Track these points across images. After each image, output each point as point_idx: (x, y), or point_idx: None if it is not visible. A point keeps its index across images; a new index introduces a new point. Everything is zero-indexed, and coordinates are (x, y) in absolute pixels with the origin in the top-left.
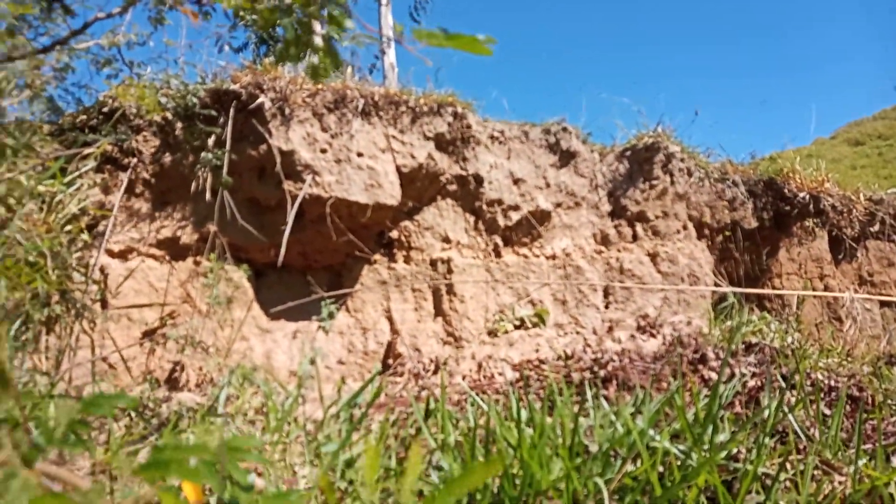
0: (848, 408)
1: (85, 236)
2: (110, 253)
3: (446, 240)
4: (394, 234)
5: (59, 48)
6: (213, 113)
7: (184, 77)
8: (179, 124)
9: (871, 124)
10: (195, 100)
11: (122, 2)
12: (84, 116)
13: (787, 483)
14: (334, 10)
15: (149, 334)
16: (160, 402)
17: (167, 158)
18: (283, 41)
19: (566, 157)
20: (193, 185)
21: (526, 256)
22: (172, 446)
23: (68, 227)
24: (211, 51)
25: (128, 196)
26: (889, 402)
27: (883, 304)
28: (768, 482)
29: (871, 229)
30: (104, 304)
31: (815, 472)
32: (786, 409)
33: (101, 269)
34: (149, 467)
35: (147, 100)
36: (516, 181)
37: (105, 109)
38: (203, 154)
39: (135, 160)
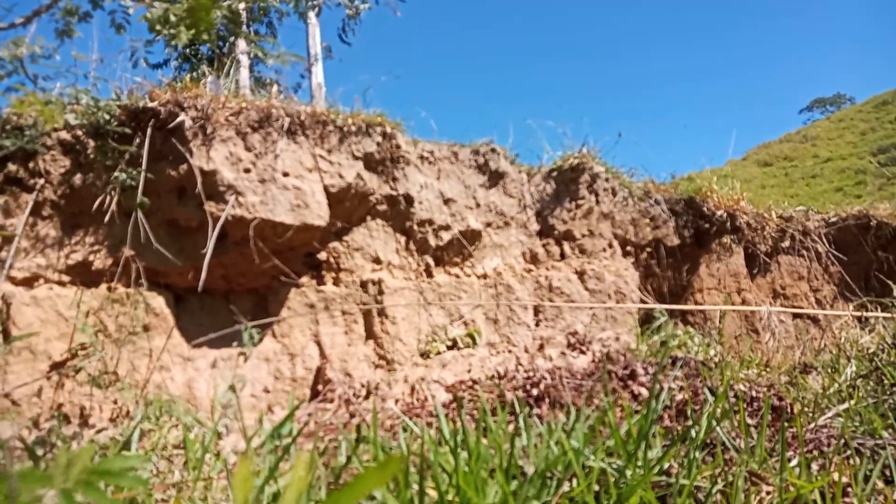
0: (769, 417)
1: None
2: (13, 280)
3: (377, 260)
4: (322, 255)
5: None
6: (128, 131)
7: (96, 93)
8: (91, 143)
9: (777, 146)
10: (107, 116)
11: (26, 12)
12: None
13: (718, 496)
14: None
15: (57, 367)
16: (69, 439)
17: (78, 179)
18: None
19: (495, 178)
20: (106, 206)
21: (458, 276)
22: (29, 475)
23: None
24: (125, 65)
25: (34, 219)
26: (806, 409)
27: (795, 315)
28: (700, 496)
29: (783, 245)
30: (6, 335)
31: (744, 484)
32: (714, 422)
33: (3, 298)
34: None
35: (47, 114)
36: (447, 201)
37: (8, 126)
38: (116, 174)
39: (42, 181)
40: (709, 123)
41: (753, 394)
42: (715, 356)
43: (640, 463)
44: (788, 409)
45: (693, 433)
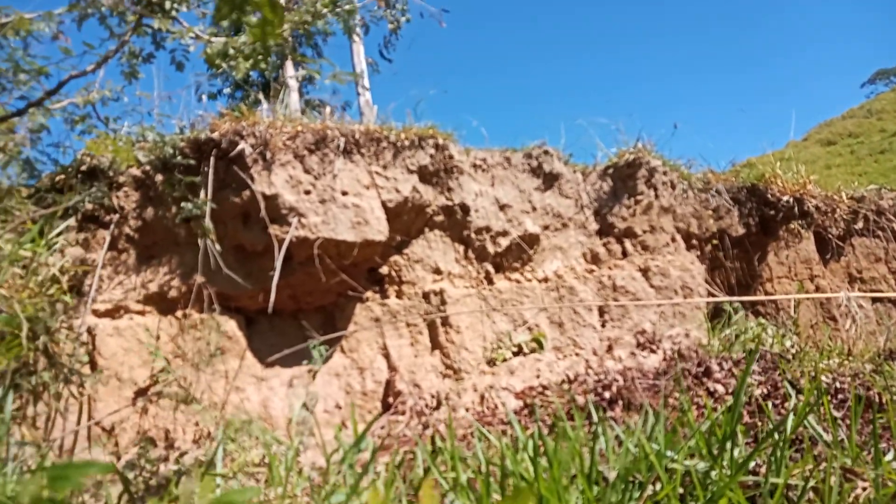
0: (857, 408)
1: (67, 297)
2: (96, 312)
3: (437, 271)
4: (384, 269)
5: (32, 109)
6: (193, 162)
7: (160, 128)
8: (159, 177)
9: (840, 124)
10: (172, 150)
11: (95, 59)
12: (62, 176)
13: (810, 493)
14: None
15: (141, 393)
16: (157, 462)
17: (149, 212)
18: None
19: (550, 180)
20: (176, 236)
21: (518, 281)
22: None
23: (51, 290)
24: (187, 100)
25: (112, 253)
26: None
27: (875, 300)
28: (791, 494)
29: (856, 227)
30: (93, 366)
31: (838, 480)
32: (801, 417)
33: (89, 330)
34: None
35: (121, 153)
36: (502, 207)
37: (83, 168)
38: (183, 204)
39: (116, 216)
40: (766, 106)
41: (837, 385)
42: (791, 347)
43: (725, 463)
44: (877, 399)
45: (780, 429)
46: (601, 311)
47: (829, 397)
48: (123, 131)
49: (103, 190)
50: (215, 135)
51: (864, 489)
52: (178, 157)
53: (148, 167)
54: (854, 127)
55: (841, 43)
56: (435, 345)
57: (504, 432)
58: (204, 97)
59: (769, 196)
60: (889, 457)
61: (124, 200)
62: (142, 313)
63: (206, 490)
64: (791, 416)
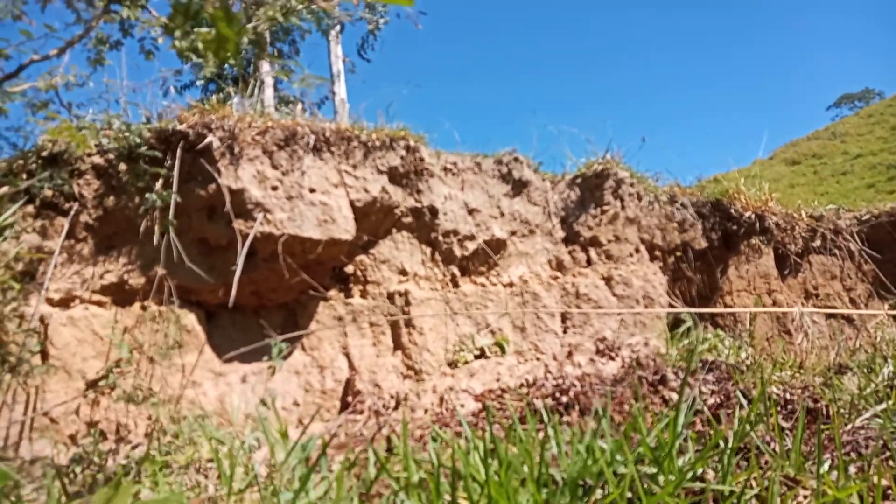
0: (805, 420)
1: (16, 284)
2: (50, 301)
3: (403, 272)
4: (349, 268)
5: None
6: (159, 154)
7: (127, 118)
8: (123, 166)
9: (806, 144)
10: (138, 140)
11: (59, 43)
12: (21, 161)
13: (753, 501)
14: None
15: (93, 385)
16: (106, 455)
17: (111, 201)
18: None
19: (519, 187)
20: (138, 227)
21: (483, 285)
22: None
23: (3, 277)
24: (156, 92)
25: (69, 241)
26: (842, 411)
27: (829, 316)
28: (734, 501)
29: (814, 244)
30: (45, 356)
31: (780, 489)
32: (748, 426)
33: (41, 319)
34: None
35: (78, 139)
36: (471, 211)
37: (44, 154)
38: (147, 195)
39: (76, 204)
40: (735, 124)
41: (787, 396)
42: (746, 359)
43: (672, 469)
44: (824, 412)
45: (726, 438)
46: (564, 318)
47: (778, 408)
48: (88, 118)
49: (63, 177)
50: (183, 126)
51: (805, 497)
52: (144, 148)
53: (112, 156)
54: (818, 148)
55: (811, 65)
56: (397, 345)
57: (459, 434)
58: (172, 89)
59: (732, 211)
60: (828, 466)
61: (85, 189)
62: (98, 304)
63: (121, 499)
64: (737, 425)
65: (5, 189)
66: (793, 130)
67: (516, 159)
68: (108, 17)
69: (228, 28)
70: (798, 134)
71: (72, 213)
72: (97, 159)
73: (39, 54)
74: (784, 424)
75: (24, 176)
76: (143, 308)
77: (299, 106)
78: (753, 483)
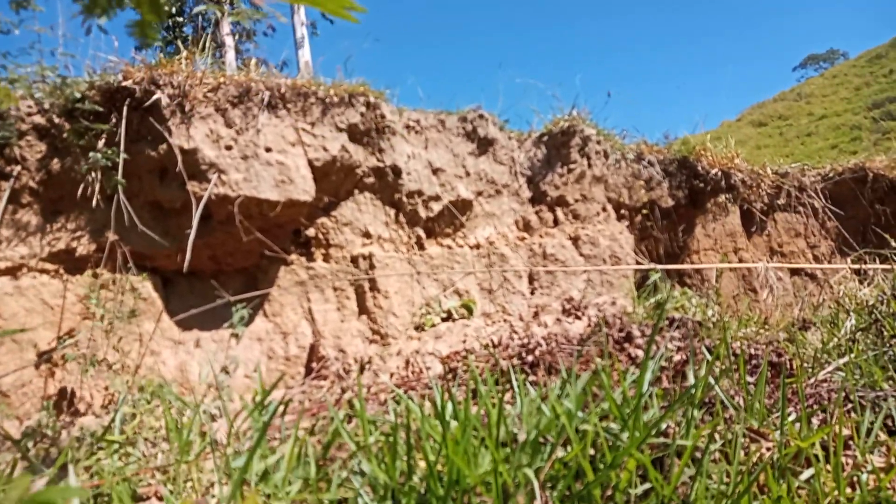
0: (769, 374)
1: None
2: None
3: (366, 235)
4: (310, 231)
5: None
6: (101, 110)
7: (65, 71)
8: (66, 125)
9: (772, 106)
10: (78, 95)
11: None
12: None
13: (717, 454)
14: None
15: (44, 355)
16: (59, 429)
17: (55, 164)
18: None
19: (484, 145)
20: (87, 190)
21: (450, 247)
22: None
23: None
24: (98, 44)
25: (13, 207)
26: (806, 365)
27: (793, 272)
28: (698, 455)
29: (779, 202)
30: None
31: (744, 441)
32: (712, 381)
33: None
34: None
35: (2, 91)
36: (435, 171)
37: None
38: (91, 154)
39: (18, 167)
40: (704, 83)
41: (752, 351)
42: (713, 316)
43: (637, 425)
44: (788, 366)
45: (691, 393)
46: (531, 279)
47: (744, 363)
48: (17, 71)
49: (4, 136)
50: (129, 82)
51: (769, 449)
52: (86, 104)
53: (53, 114)
54: (784, 109)
55: (777, 25)
56: (362, 310)
57: (425, 397)
58: (114, 42)
59: (699, 168)
60: (794, 418)
61: (27, 150)
62: (47, 272)
63: (16, 488)
64: (701, 380)
65: None
66: (762, 90)
67: (481, 116)
68: None
69: (151, 13)
70: (766, 94)
71: (13, 177)
72: (38, 119)
73: None
74: (749, 379)
75: None
76: (96, 276)
77: (253, 61)
78: (717, 437)
